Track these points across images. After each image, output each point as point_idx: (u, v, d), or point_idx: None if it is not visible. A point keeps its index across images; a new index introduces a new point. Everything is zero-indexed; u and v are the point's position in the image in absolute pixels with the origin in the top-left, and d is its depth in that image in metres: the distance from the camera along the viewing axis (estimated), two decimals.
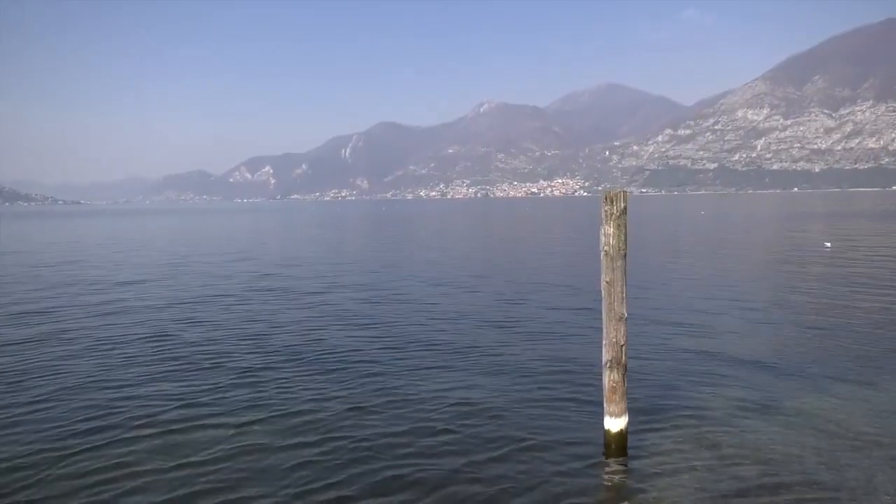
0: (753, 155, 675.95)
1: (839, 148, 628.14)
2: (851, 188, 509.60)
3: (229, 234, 59.53)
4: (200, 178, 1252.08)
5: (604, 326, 7.19)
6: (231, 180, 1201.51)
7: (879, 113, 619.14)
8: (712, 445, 7.56)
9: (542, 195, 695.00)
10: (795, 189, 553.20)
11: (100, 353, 12.38)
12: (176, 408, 9.13)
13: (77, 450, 7.66)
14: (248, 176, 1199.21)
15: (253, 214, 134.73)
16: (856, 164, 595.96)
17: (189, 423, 8.50)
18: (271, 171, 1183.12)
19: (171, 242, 47.09)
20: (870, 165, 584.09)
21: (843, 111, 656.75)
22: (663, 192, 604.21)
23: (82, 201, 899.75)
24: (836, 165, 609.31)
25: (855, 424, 8.13)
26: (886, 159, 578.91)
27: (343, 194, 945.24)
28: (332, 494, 6.50)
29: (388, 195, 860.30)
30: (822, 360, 11.18)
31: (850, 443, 7.56)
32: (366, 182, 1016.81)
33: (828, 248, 32.58)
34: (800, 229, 51.51)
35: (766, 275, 24.32)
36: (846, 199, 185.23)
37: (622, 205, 6.99)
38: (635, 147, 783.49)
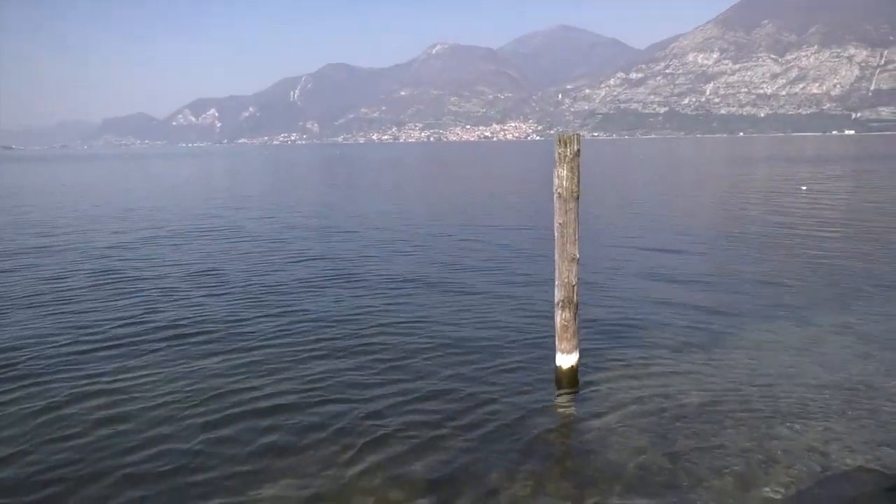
0: (703, 99, 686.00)
1: (784, 93, 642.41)
2: (794, 133, 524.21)
3: (174, 185, 57.69)
4: (142, 121, 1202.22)
5: (556, 267, 7.36)
6: (174, 124, 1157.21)
7: (823, 59, 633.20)
8: (658, 378, 7.93)
9: (494, 139, 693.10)
10: (741, 134, 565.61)
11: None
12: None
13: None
14: (193, 119, 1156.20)
15: (200, 160, 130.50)
16: (799, 109, 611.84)
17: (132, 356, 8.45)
18: (217, 115, 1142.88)
19: (120, 190, 45.44)
20: (812, 111, 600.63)
21: (788, 56, 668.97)
22: (614, 136, 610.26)
23: (14, 146, 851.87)
24: (781, 110, 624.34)
25: (789, 356, 8.63)
26: (828, 105, 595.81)
27: (293, 138, 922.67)
28: (277, 435, 6.60)
29: (340, 139, 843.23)
30: (762, 298, 11.75)
31: (785, 372, 8.04)
32: (316, 126, 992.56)
33: (803, 190, 33.39)
34: (745, 173, 53.01)
35: (716, 218, 25.11)
36: (790, 143, 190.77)
37: (575, 147, 7.06)
38: (588, 91, 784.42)
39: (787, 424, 6.62)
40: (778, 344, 9.16)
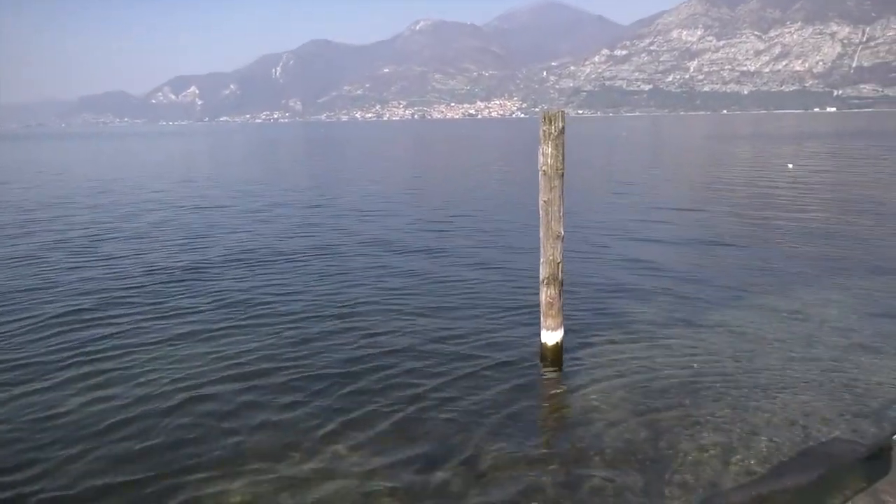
0: (686, 76, 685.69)
1: (767, 70, 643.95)
2: (777, 110, 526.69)
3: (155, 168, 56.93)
4: (120, 99, 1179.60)
5: (541, 245, 7.38)
6: (153, 101, 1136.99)
7: (806, 35, 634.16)
8: (642, 353, 8.03)
9: (479, 116, 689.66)
10: (724, 111, 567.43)
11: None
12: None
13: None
14: (173, 97, 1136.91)
15: (182, 139, 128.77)
16: (781, 86, 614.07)
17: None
18: (197, 92, 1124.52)
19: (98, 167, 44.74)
20: (795, 88, 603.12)
21: (772, 33, 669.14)
22: (599, 114, 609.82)
23: None
24: (764, 87, 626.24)
25: (771, 331, 8.76)
26: (810, 81, 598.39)
27: (275, 116, 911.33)
28: (256, 410, 6.62)
29: (323, 117, 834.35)
30: (745, 275, 11.90)
31: (766, 346, 8.18)
32: (299, 103, 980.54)
33: (790, 168, 33.57)
34: (730, 151, 53.34)
35: (701, 195, 25.29)
36: (773, 120, 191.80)
37: (560, 125, 7.05)
38: (572, 68, 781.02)
39: (768, 397, 6.74)
40: (760, 319, 9.29)
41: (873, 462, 4.91)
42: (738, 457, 5.60)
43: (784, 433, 5.99)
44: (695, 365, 7.63)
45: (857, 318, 9.19)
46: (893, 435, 5.14)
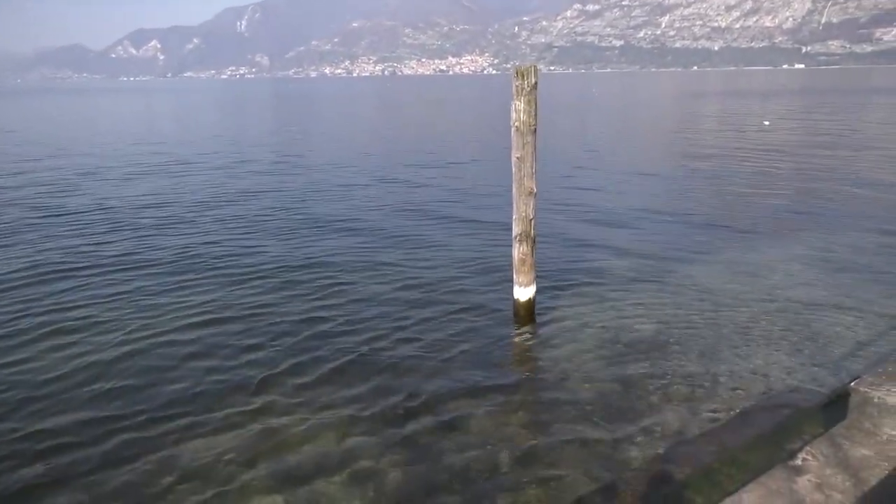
0: (658, 32, 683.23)
1: (738, 26, 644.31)
2: (747, 67, 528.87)
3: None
4: (78, 53, 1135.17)
5: (514, 201, 7.39)
6: (113, 56, 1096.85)
7: None
8: (612, 309, 8.17)
9: (450, 73, 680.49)
10: (695, 68, 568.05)
11: None
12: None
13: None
14: (133, 51, 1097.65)
15: (143, 96, 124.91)
16: (752, 42, 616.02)
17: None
18: (159, 47, 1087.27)
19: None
20: (764, 44, 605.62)
21: None
22: (571, 71, 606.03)
23: None
24: (734, 44, 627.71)
25: (737, 285, 8.97)
26: (780, 38, 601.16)
27: (241, 72, 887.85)
28: (234, 373, 6.62)
29: (291, 73, 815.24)
30: (714, 230, 12.11)
31: (731, 300, 8.38)
32: (266, 59, 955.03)
33: (766, 125, 33.83)
34: (703, 109, 53.59)
35: (674, 152, 25.46)
36: (743, 77, 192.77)
37: (533, 80, 6.98)
38: (544, 23, 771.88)
39: (732, 349, 6.95)
40: (726, 273, 9.50)
41: (831, 408, 5.12)
42: (704, 406, 5.78)
43: (747, 383, 6.19)
44: (663, 318, 7.80)
45: (820, 273, 9.45)
46: (851, 382, 5.35)
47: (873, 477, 4.13)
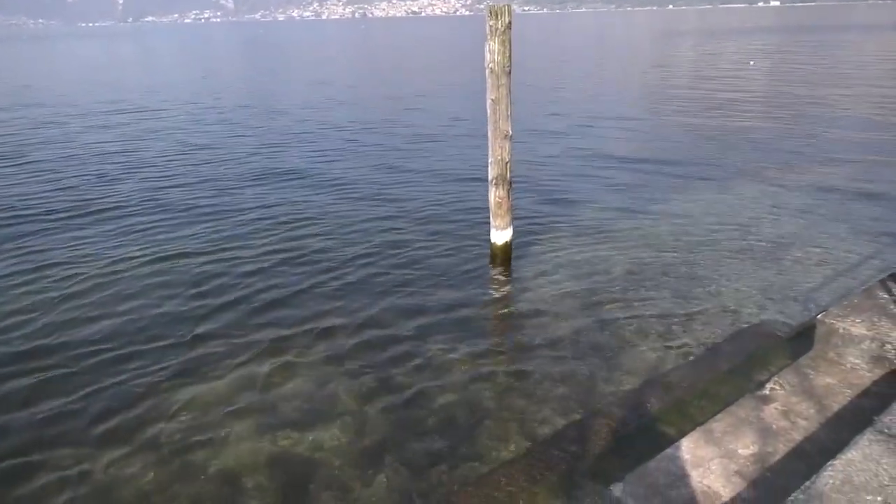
0: None
1: None
2: (721, 5, 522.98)
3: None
4: None
5: (489, 144, 7.34)
6: (70, 0, 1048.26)
7: None
8: (588, 250, 8.26)
9: (423, 14, 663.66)
10: (671, 6, 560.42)
11: None
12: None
13: None
14: None
15: (106, 42, 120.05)
16: None
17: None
18: None
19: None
20: None
21: None
22: (545, 11, 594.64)
23: None
24: None
25: (709, 224, 9.11)
26: None
27: (206, 16, 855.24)
28: (222, 315, 6.63)
29: (258, 16, 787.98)
30: (687, 171, 12.20)
31: (703, 238, 8.52)
32: (230, 1, 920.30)
33: (751, 65, 33.62)
34: (682, 47, 53.09)
35: (655, 92, 25.33)
36: (720, 15, 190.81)
37: (507, 19, 6.83)
38: None
39: (705, 286, 7.10)
40: (699, 213, 9.62)
41: (799, 340, 5.29)
42: (676, 342, 5.94)
43: (719, 318, 6.36)
44: (638, 257, 7.93)
45: (791, 212, 9.62)
46: (818, 315, 5.52)
47: (836, 403, 4.32)
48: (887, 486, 3.12)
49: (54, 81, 35.88)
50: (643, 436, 4.61)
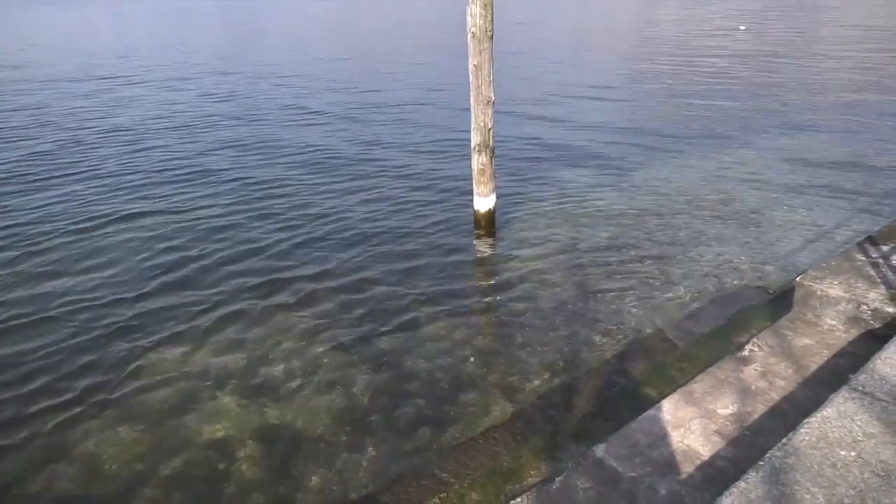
0: None
1: None
2: None
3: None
4: None
5: (472, 110, 7.27)
6: None
7: None
8: (571, 216, 8.29)
9: None
10: None
11: None
12: None
13: None
14: None
15: (56, 8, 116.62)
16: None
17: None
18: None
19: None
20: None
21: None
22: None
23: None
24: None
25: (691, 190, 9.17)
26: None
27: None
28: (196, 300, 6.59)
29: None
30: (669, 139, 12.23)
31: (684, 205, 8.58)
32: None
33: (742, 29, 33.37)
34: (668, 13, 52.70)
35: (638, 58, 25.19)
36: None
37: None
38: None
39: (686, 251, 7.17)
40: (680, 180, 9.68)
41: (778, 302, 5.37)
42: (659, 305, 6.01)
43: (700, 283, 6.43)
44: (620, 224, 7.97)
45: (772, 176, 9.70)
46: (796, 277, 5.60)
47: (814, 363, 4.41)
48: (861, 441, 3.20)
49: (28, 48, 34.85)
50: (625, 398, 4.68)
